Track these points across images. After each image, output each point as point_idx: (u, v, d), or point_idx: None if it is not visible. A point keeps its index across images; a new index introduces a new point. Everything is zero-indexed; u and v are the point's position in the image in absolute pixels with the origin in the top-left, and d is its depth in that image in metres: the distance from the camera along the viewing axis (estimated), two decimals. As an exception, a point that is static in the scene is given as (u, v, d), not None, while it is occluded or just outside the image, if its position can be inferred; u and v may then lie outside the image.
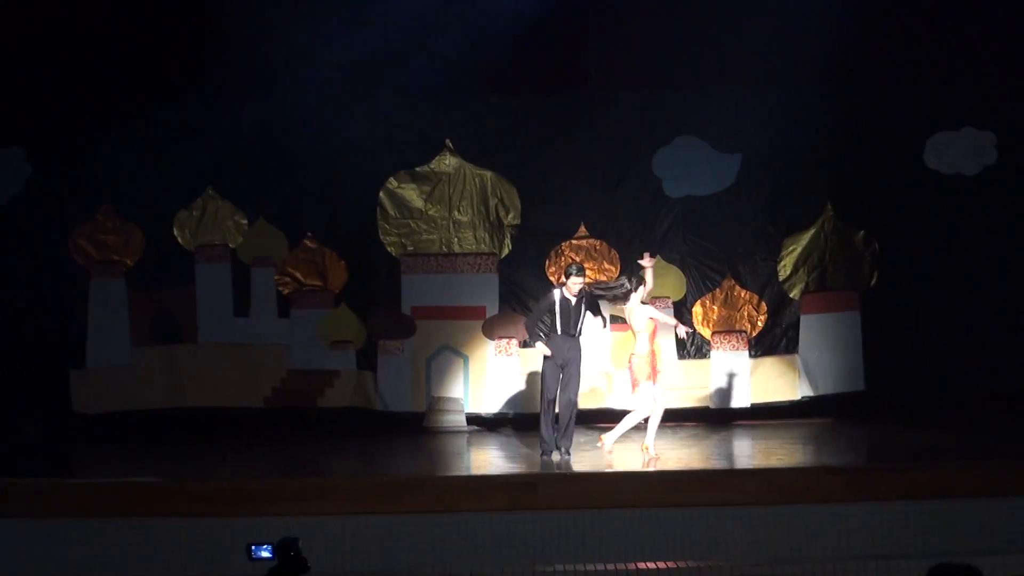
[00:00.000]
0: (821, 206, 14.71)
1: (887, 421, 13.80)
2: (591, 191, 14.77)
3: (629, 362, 11.69)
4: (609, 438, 11.71)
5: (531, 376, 14.41)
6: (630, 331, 11.96)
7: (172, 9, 14.15)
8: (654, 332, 11.67)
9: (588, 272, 13.20)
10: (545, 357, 12.06)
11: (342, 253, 14.75)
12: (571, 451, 12.03)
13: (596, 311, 12.22)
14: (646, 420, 11.71)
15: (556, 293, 12.10)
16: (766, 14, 14.09)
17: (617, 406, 14.07)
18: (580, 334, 12.09)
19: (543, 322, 12.63)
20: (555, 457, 11.93)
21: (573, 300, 11.98)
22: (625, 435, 11.68)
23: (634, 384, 11.64)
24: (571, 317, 11.97)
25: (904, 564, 9.36)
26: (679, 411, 13.89)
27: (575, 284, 11.94)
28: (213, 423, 14.40)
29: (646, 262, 11.80)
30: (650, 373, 11.55)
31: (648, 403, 11.60)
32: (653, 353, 11.63)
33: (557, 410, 12.16)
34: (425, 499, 10.22)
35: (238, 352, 14.71)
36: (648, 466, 11.23)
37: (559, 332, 11.99)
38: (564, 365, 12.00)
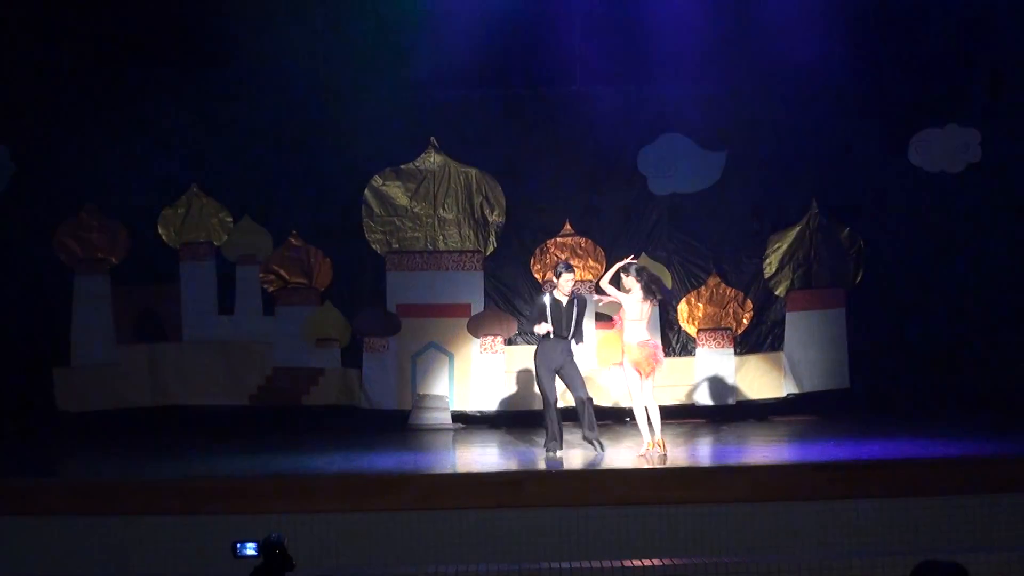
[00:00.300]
0: (806, 203, 14.73)
1: (872, 418, 13.81)
2: (576, 188, 14.76)
3: (624, 353, 11.59)
4: (657, 438, 11.49)
5: (517, 374, 14.41)
6: (620, 326, 11.86)
7: (157, 8, 14.12)
8: (649, 319, 11.71)
9: (575, 271, 13.12)
10: (537, 361, 11.92)
11: (327, 251, 14.72)
12: (601, 440, 11.81)
13: (586, 312, 12.18)
14: (632, 417, 11.73)
15: (546, 297, 11.97)
16: (751, 12, 14.13)
17: (604, 404, 14.09)
18: (572, 336, 11.91)
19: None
20: (558, 453, 11.81)
21: (564, 301, 11.86)
22: (616, 433, 11.62)
23: (641, 373, 11.55)
24: (562, 319, 11.81)
25: (889, 561, 9.37)
26: (664, 409, 13.82)
27: (566, 282, 11.83)
28: (198, 421, 14.36)
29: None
30: (657, 362, 11.56)
31: (651, 392, 11.61)
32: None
33: (567, 404, 12.18)
34: (410, 497, 10.19)
35: (223, 350, 14.67)
36: (662, 462, 11.16)
37: (551, 335, 11.81)
38: (558, 369, 11.87)
